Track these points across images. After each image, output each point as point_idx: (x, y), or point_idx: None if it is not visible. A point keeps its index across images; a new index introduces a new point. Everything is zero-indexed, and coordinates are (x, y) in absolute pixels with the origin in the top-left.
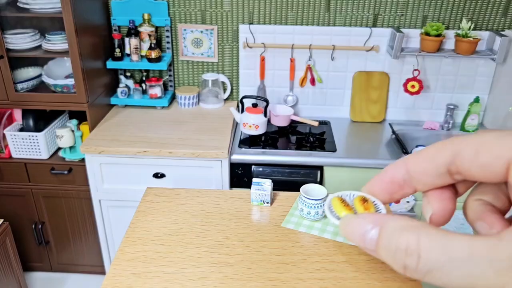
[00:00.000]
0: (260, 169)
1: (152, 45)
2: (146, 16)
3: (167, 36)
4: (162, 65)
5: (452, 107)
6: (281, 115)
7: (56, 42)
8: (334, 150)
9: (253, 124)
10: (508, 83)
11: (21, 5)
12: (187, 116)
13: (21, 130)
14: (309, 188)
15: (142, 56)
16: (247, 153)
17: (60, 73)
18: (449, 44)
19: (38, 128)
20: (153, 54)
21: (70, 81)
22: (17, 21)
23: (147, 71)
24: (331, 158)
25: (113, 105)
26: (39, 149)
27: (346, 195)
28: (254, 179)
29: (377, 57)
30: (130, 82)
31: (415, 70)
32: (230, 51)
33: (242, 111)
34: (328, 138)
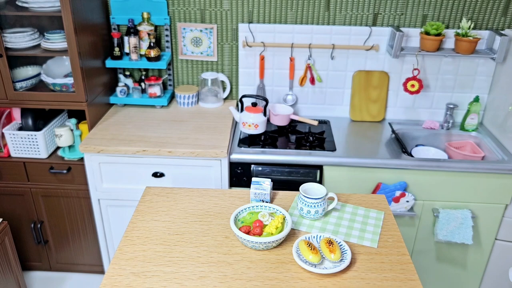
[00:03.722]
0: (260, 168)
1: (152, 44)
2: (145, 15)
3: (167, 35)
4: (162, 64)
5: (452, 106)
6: (281, 114)
7: (55, 41)
8: (333, 149)
9: (253, 123)
10: (508, 83)
11: (20, 4)
12: (187, 115)
13: (20, 129)
14: (309, 187)
15: (141, 55)
16: (247, 153)
17: (59, 72)
18: (449, 43)
19: (37, 127)
20: (152, 53)
21: (69, 80)
22: (16, 20)
23: (146, 70)
24: (330, 157)
25: (112, 104)
26: (38, 148)
27: (313, 237)
28: (253, 179)
29: (377, 56)
30: (129, 81)
31: (415, 69)
32: (229, 50)
33: (242, 110)
34: (328, 138)
